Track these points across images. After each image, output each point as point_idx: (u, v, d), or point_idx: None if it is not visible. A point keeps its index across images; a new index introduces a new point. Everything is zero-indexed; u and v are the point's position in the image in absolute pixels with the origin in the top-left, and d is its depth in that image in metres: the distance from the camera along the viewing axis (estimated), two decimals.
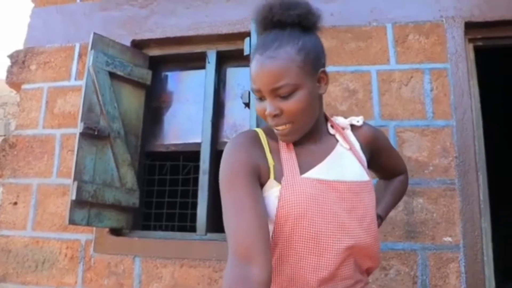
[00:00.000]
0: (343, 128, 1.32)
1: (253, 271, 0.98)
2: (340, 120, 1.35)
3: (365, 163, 1.30)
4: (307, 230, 1.11)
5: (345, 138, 1.29)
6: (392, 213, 2.39)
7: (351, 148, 1.28)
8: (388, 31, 2.66)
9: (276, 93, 1.11)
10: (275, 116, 1.13)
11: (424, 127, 2.50)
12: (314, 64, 1.16)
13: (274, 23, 1.16)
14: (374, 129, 1.41)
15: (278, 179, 1.15)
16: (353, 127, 1.35)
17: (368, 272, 1.27)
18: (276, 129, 1.17)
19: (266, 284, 0.99)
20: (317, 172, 1.18)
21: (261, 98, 1.16)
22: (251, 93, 2.17)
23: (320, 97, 1.22)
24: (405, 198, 2.40)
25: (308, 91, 1.13)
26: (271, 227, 1.13)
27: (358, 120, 1.35)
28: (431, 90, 2.53)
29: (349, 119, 1.35)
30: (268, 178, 1.16)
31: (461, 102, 2.48)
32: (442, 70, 2.54)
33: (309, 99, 1.14)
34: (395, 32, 2.65)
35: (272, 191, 1.14)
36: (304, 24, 1.17)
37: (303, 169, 1.17)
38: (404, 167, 1.71)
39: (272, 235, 1.13)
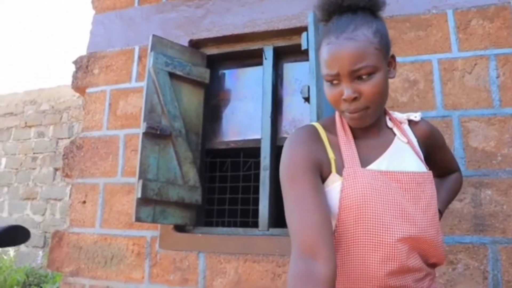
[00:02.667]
0: (400, 123, 1.32)
1: (318, 266, 0.98)
2: (397, 115, 1.34)
3: (422, 157, 1.28)
4: (371, 221, 1.10)
5: (403, 132, 1.28)
6: (458, 205, 2.33)
7: (409, 142, 1.27)
8: (449, 18, 2.58)
9: (356, 75, 1.09)
10: (353, 100, 1.11)
11: (491, 116, 2.40)
12: (387, 48, 1.16)
13: (343, 7, 1.15)
14: (431, 126, 1.40)
15: (340, 172, 1.15)
16: (410, 122, 1.34)
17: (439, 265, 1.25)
18: (351, 115, 1.14)
19: (331, 279, 0.98)
20: (378, 164, 1.18)
21: (335, 83, 1.13)
22: (310, 87, 2.16)
23: (388, 84, 1.21)
24: (472, 190, 2.34)
25: (384, 73, 1.13)
26: (334, 222, 1.13)
27: (415, 116, 1.35)
28: (497, 77, 2.43)
29: (406, 114, 1.35)
30: (330, 172, 1.16)
31: None
32: (510, 55, 2.43)
33: (385, 82, 1.14)
34: (457, 18, 2.56)
35: (335, 185, 1.14)
36: (373, 8, 1.17)
37: (364, 162, 1.17)
38: (457, 166, 1.66)
39: (335, 229, 1.13)
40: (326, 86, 1.17)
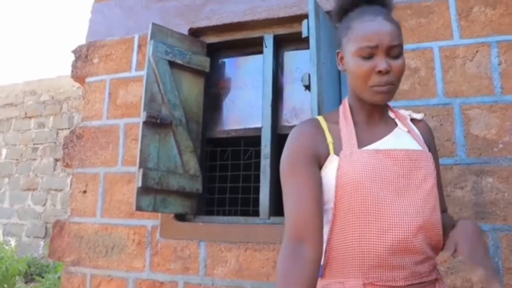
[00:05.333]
0: (403, 117, 1.38)
1: (305, 249, 1.11)
2: (401, 111, 1.40)
3: (424, 143, 1.31)
4: (366, 197, 1.15)
5: (405, 123, 1.34)
6: (459, 193, 2.33)
7: (410, 131, 1.32)
8: (450, 5, 2.56)
9: (391, 51, 1.20)
10: (387, 72, 1.19)
11: (492, 103, 2.39)
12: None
13: (361, 1, 1.29)
14: (430, 128, 1.45)
15: (338, 154, 1.21)
16: (412, 120, 1.40)
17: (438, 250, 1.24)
18: (379, 88, 1.21)
19: (316, 262, 1.11)
20: (376, 146, 1.24)
21: (369, 57, 1.20)
22: (311, 75, 2.15)
23: None
24: (473, 177, 2.34)
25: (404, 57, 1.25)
26: (332, 201, 1.19)
27: (419, 116, 1.42)
28: (499, 64, 2.42)
29: (408, 112, 1.41)
30: (328, 155, 1.23)
31: None
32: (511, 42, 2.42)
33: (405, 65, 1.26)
34: (458, 5, 2.55)
35: (332, 165, 1.21)
36: (388, 4, 1.30)
37: (362, 144, 1.23)
38: (446, 205, 1.53)
39: (333, 207, 1.19)
40: (357, 61, 1.22)
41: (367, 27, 1.21)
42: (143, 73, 2.78)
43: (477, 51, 2.47)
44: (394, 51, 1.19)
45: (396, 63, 1.19)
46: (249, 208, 3.05)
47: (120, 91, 3.16)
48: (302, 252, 1.11)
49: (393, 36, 1.19)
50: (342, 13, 1.32)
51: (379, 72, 1.18)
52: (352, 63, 1.24)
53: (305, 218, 1.14)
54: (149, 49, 2.71)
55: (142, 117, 2.62)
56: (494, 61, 2.43)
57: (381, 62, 1.18)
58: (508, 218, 2.25)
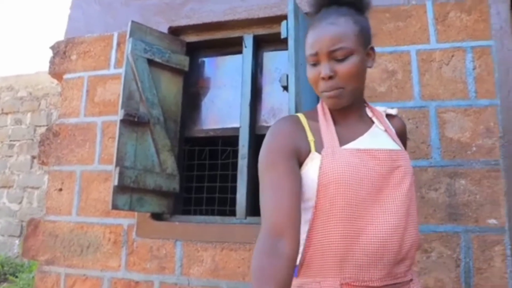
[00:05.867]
0: (380, 114, 1.40)
1: (281, 244, 1.08)
2: (377, 107, 1.43)
3: (400, 143, 1.34)
4: (347, 197, 1.14)
5: (382, 122, 1.36)
6: (433, 195, 2.37)
7: (387, 130, 1.34)
8: (428, 9, 2.59)
9: (333, 55, 1.20)
10: (329, 78, 1.20)
11: (467, 107, 2.43)
12: (366, 38, 1.28)
13: (331, 1, 1.28)
14: (405, 124, 1.50)
15: (319, 151, 1.21)
16: (387, 116, 1.42)
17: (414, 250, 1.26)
18: (327, 93, 1.23)
19: (292, 258, 1.08)
20: (355, 144, 1.24)
21: (316, 64, 1.23)
22: (289, 75, 2.16)
23: (366, 72, 1.30)
24: (447, 179, 2.37)
25: (361, 58, 1.23)
26: (313, 199, 1.18)
27: (393, 110, 1.45)
28: (474, 69, 2.46)
29: (383, 108, 1.44)
30: (309, 152, 1.22)
31: (506, 80, 2.40)
32: (486, 47, 2.46)
33: (360, 66, 1.23)
34: (436, 10, 2.58)
35: (313, 163, 1.20)
36: (358, 5, 1.29)
37: (342, 142, 1.23)
38: None
39: (314, 205, 1.18)
40: (308, 69, 1.27)
41: (311, 35, 1.25)
42: (122, 70, 2.77)
43: (452, 56, 2.51)
44: (337, 54, 1.19)
45: (341, 67, 1.20)
46: (226, 208, 3.05)
47: (98, 88, 3.13)
48: (279, 247, 1.07)
49: (334, 40, 1.19)
50: (311, 16, 1.34)
51: (323, 78, 1.21)
52: (307, 70, 1.28)
53: (284, 213, 1.11)
54: (127, 47, 2.69)
55: (119, 115, 2.61)
56: (469, 65, 2.47)
57: (322, 68, 1.21)
58: (479, 220, 2.29)
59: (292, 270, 1.08)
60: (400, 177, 1.22)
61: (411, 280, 1.23)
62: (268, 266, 1.05)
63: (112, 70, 3.13)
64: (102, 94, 3.11)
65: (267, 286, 1.02)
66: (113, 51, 3.16)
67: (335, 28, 1.20)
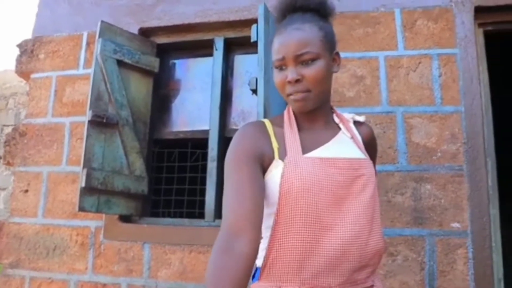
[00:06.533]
0: (347, 121, 1.41)
1: (240, 244, 1.07)
2: (344, 114, 1.44)
3: (365, 151, 1.36)
4: (307, 206, 1.16)
5: (348, 129, 1.38)
6: (400, 199, 2.41)
7: (353, 137, 1.36)
8: (396, 17, 2.64)
9: (299, 60, 1.22)
10: (296, 81, 1.22)
11: (433, 113, 2.48)
12: (331, 44, 1.30)
13: (296, 8, 1.30)
14: (372, 131, 1.51)
15: (283, 159, 1.22)
16: (355, 122, 1.44)
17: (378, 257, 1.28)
18: (294, 97, 1.25)
19: (249, 257, 1.07)
20: (318, 152, 1.25)
21: (282, 68, 1.25)
22: (258, 79, 2.17)
23: (332, 76, 1.32)
24: (413, 184, 2.42)
25: (326, 63, 1.26)
26: (275, 206, 1.19)
27: (360, 118, 1.46)
28: (440, 76, 2.52)
29: (351, 115, 1.45)
30: (273, 159, 1.23)
31: (470, 87, 2.46)
32: (451, 55, 2.52)
33: (327, 70, 1.26)
34: (404, 17, 2.63)
35: (277, 171, 1.21)
36: (322, 11, 1.32)
37: (306, 150, 1.25)
38: None
39: (275, 212, 1.19)
40: (274, 73, 1.29)
41: (277, 40, 1.27)
42: (91, 71, 2.73)
43: (419, 62, 2.56)
44: (304, 58, 1.22)
45: (307, 71, 1.22)
46: (195, 210, 3.04)
47: (67, 88, 3.09)
48: (237, 246, 1.07)
49: (299, 45, 1.21)
50: (278, 22, 1.36)
51: (289, 82, 1.23)
52: (273, 75, 1.30)
53: (244, 213, 1.11)
54: (97, 47, 2.67)
55: (87, 116, 2.58)
56: (435, 72, 2.53)
57: (289, 72, 1.23)
58: (443, 224, 2.34)
59: (249, 269, 1.07)
60: (361, 186, 1.23)
61: (372, 286, 1.25)
62: (223, 264, 1.04)
63: (81, 70, 3.09)
64: (71, 94, 3.07)
65: (221, 284, 1.01)
66: (82, 51, 3.12)
67: (301, 34, 1.22)
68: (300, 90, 1.23)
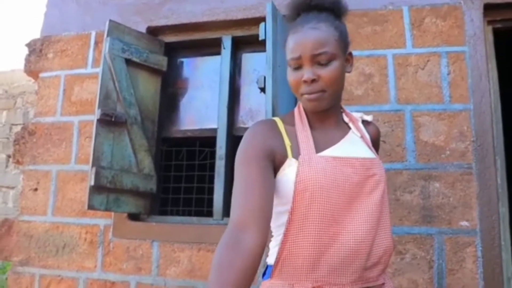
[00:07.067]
0: (356, 120, 1.43)
1: (246, 239, 1.06)
2: (353, 113, 1.45)
3: (374, 150, 1.38)
4: (322, 205, 1.16)
5: (358, 128, 1.39)
6: (408, 197, 2.40)
7: (362, 136, 1.38)
8: (404, 15, 2.63)
9: (316, 60, 1.22)
10: (312, 81, 1.22)
11: (441, 111, 2.47)
12: (346, 44, 1.30)
13: (311, 6, 1.29)
14: (379, 130, 1.54)
15: (296, 157, 1.22)
16: (363, 122, 1.45)
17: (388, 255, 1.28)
18: (308, 96, 1.25)
19: (255, 252, 1.06)
20: (331, 151, 1.26)
21: (298, 67, 1.25)
22: (266, 77, 2.17)
23: (345, 77, 1.32)
24: (421, 182, 2.41)
25: (341, 63, 1.26)
26: (289, 204, 1.19)
27: (368, 117, 1.48)
28: (448, 74, 2.51)
29: (360, 114, 1.47)
30: (286, 157, 1.23)
31: (479, 85, 2.45)
32: (460, 53, 2.51)
33: (341, 71, 1.26)
34: (412, 15, 2.62)
35: (291, 169, 1.21)
36: (336, 11, 1.31)
37: (319, 149, 1.25)
38: None
39: (290, 210, 1.18)
40: (289, 72, 1.28)
41: (293, 39, 1.25)
42: (99, 70, 2.74)
43: (428, 60, 2.55)
44: (320, 58, 1.21)
45: (324, 71, 1.21)
46: (203, 208, 3.05)
47: (75, 87, 3.10)
48: (244, 241, 1.05)
49: (317, 44, 1.21)
50: (290, 20, 1.35)
51: (305, 81, 1.22)
52: (287, 73, 1.29)
53: (252, 208, 1.11)
54: (105, 46, 2.68)
55: (96, 114, 2.59)
56: (444, 70, 2.52)
57: (306, 72, 1.22)
58: (452, 222, 2.34)
59: (255, 265, 1.05)
60: (373, 185, 1.24)
61: (383, 284, 1.26)
62: (228, 259, 1.03)
63: (89, 69, 3.10)
64: (79, 93, 3.08)
65: (225, 279, 1.00)
66: (91, 50, 3.13)
67: (318, 33, 1.22)
68: (315, 90, 1.23)
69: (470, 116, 2.43)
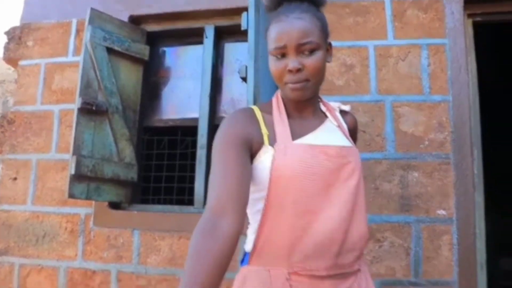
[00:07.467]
0: (333, 109, 1.44)
1: (222, 223, 1.07)
2: (330, 103, 1.47)
3: (350, 139, 1.39)
4: (297, 193, 1.18)
5: (335, 117, 1.41)
6: (387, 186, 2.44)
7: (340, 126, 1.39)
8: (386, 6, 2.65)
9: (301, 49, 1.22)
10: (297, 71, 1.22)
11: (421, 102, 2.51)
12: (327, 34, 1.31)
13: None
14: (356, 120, 1.55)
15: (272, 145, 1.23)
16: (341, 111, 1.48)
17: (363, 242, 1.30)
18: (292, 85, 1.25)
19: (231, 237, 1.07)
20: (307, 139, 1.27)
21: (282, 57, 1.25)
22: (248, 67, 2.18)
23: (326, 66, 1.32)
24: (400, 172, 2.45)
25: (323, 53, 1.27)
26: (265, 192, 1.20)
27: (346, 107, 1.50)
28: (428, 66, 2.54)
29: (337, 104, 1.48)
30: (263, 145, 1.24)
31: (458, 77, 2.49)
32: (440, 45, 2.55)
33: (324, 61, 1.28)
34: (394, 7, 2.65)
35: (266, 156, 1.22)
36: (317, 1, 1.32)
37: (295, 136, 1.26)
38: None
39: (265, 198, 1.20)
40: (272, 61, 1.28)
41: (277, 28, 1.25)
42: (80, 58, 2.72)
43: (409, 52, 2.58)
44: (305, 48, 1.22)
45: (308, 61, 1.22)
46: (185, 197, 3.05)
47: (56, 76, 3.07)
48: (220, 226, 1.06)
49: (302, 34, 1.21)
50: (271, 10, 1.34)
51: (290, 71, 1.23)
52: (270, 62, 1.29)
53: (228, 193, 1.12)
54: (86, 34, 2.65)
55: (77, 103, 2.57)
56: (424, 62, 2.55)
57: (291, 61, 1.22)
58: (429, 211, 2.38)
59: (232, 250, 1.07)
60: (349, 173, 1.25)
61: (359, 270, 1.28)
62: (204, 245, 1.04)
63: (70, 58, 3.07)
64: (60, 82, 3.05)
65: (201, 262, 1.01)
66: (72, 38, 3.10)
67: (303, 23, 1.22)
68: (300, 80, 1.23)
69: (449, 108, 2.47)
